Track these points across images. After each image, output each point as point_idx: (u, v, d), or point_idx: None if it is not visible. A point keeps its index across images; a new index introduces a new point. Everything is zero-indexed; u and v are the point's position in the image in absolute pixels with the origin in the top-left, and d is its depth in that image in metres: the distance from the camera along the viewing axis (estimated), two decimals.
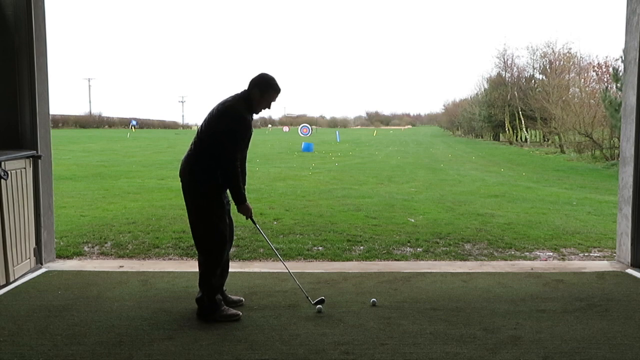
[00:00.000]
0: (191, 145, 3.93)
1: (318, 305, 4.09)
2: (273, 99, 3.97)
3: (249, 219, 4.03)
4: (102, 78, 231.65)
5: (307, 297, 4.13)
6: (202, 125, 3.91)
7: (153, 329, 3.73)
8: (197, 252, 4.01)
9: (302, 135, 38.33)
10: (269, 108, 4.01)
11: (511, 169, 20.87)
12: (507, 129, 50.83)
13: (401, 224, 7.75)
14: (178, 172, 4.00)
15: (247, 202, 3.92)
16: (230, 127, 3.75)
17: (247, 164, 4.11)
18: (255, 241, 6.40)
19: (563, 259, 5.93)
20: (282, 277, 4.94)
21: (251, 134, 3.93)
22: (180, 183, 3.96)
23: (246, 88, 3.94)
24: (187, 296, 4.39)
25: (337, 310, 4.10)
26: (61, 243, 6.24)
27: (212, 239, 3.89)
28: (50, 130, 5.53)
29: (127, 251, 6.08)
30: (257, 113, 3.99)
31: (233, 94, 3.97)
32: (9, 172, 4.56)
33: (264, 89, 3.91)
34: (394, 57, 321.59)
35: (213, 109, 3.91)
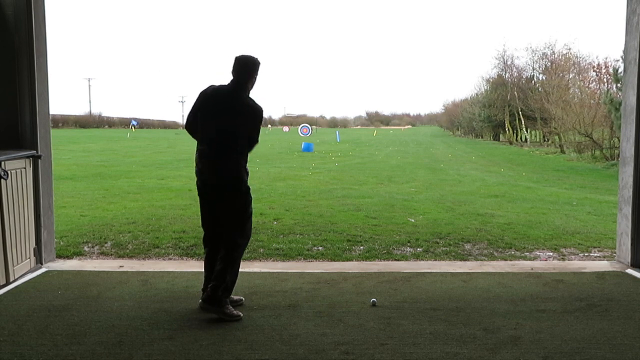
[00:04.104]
0: (206, 147, 3.94)
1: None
2: (258, 74, 4.15)
3: None
4: (102, 78, 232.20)
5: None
6: (219, 125, 3.91)
7: (153, 329, 3.73)
8: (228, 246, 4.00)
9: (302, 135, 38.33)
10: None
11: (511, 169, 20.87)
12: (507, 129, 50.84)
13: (401, 224, 7.75)
14: (204, 178, 3.98)
15: None
16: (259, 123, 4.11)
17: (247, 164, 4.18)
18: (255, 241, 6.39)
19: (563, 259, 5.93)
20: (282, 277, 4.94)
21: None
22: (209, 188, 3.99)
23: (235, 77, 4.01)
24: (187, 296, 4.39)
25: (337, 310, 4.10)
26: (61, 243, 6.24)
27: (245, 232, 4.08)
28: (50, 130, 5.53)
29: (127, 251, 6.08)
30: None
31: (230, 87, 4.01)
32: (9, 172, 4.56)
33: (253, 72, 4.06)
34: (394, 57, 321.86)
35: (231, 107, 3.93)
